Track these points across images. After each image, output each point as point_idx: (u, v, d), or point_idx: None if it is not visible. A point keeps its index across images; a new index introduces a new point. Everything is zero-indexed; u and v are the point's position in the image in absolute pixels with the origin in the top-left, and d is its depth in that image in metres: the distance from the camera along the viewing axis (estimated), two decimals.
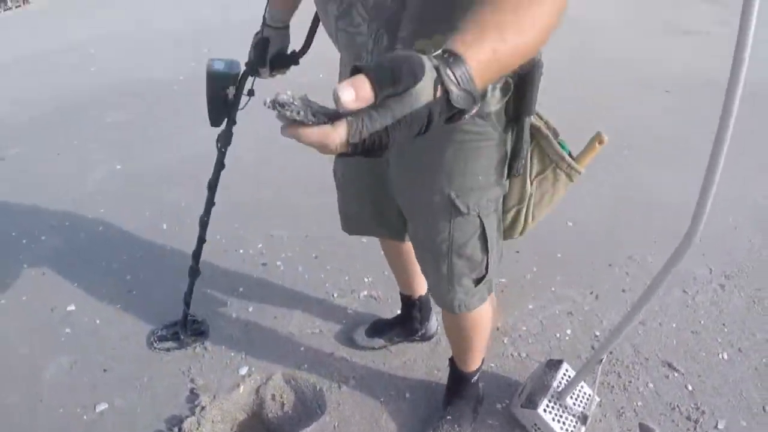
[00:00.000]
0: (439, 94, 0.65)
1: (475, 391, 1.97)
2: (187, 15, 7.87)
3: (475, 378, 1.93)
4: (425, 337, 2.25)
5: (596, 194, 3.18)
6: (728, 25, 10.18)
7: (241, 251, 2.71)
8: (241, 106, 1.80)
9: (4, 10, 8.62)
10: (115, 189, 3.42)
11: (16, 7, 8.74)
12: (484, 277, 1.51)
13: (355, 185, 1.65)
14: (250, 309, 2.44)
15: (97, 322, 2.41)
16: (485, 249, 1.45)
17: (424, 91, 0.64)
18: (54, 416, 2.02)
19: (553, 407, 1.83)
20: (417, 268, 2.01)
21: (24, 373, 2.20)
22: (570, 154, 1.39)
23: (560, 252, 2.75)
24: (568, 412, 1.85)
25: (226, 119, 1.83)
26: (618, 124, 3.95)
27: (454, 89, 0.66)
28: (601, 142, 1.35)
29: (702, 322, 2.42)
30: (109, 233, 2.99)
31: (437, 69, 0.65)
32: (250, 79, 1.79)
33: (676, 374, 2.16)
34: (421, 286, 2.14)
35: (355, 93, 0.60)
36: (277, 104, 0.61)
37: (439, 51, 0.69)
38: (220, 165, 1.95)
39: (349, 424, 1.98)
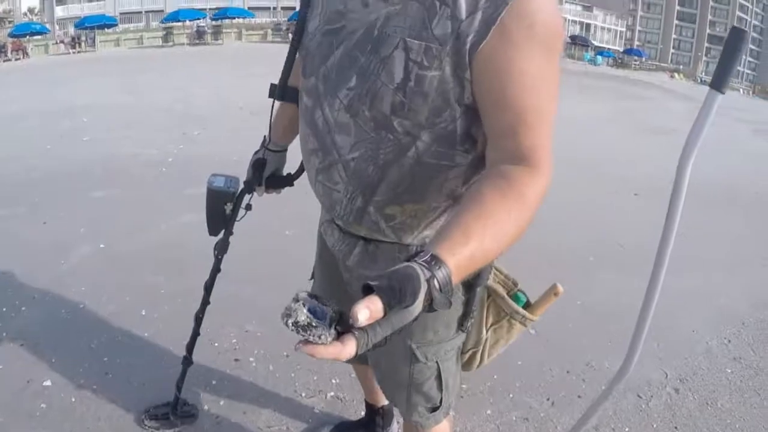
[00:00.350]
0: (426, 302, 0.76)
1: None
2: (182, 95, 8.06)
3: None
4: None
5: (560, 302, 3.29)
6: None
7: (216, 344, 2.79)
8: (238, 218, 1.89)
9: (3, 61, 8.77)
10: (98, 268, 3.51)
11: (16, 59, 8.91)
12: (438, 407, 1.56)
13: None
14: (221, 402, 2.50)
15: (73, 400, 2.43)
16: (440, 388, 1.51)
17: (419, 306, 0.75)
18: None
19: None
20: None
21: None
22: (527, 303, 1.47)
23: (521, 359, 2.81)
24: None
25: (223, 230, 1.92)
26: (586, 232, 4.17)
27: (437, 296, 0.76)
28: (556, 294, 1.41)
29: (654, 425, 2.54)
30: (89, 312, 3.05)
31: (428, 282, 0.75)
32: (248, 195, 1.85)
33: None
34: (383, 397, 2.16)
35: (370, 314, 0.70)
36: (298, 327, 0.71)
37: (428, 255, 0.80)
38: (216, 270, 2.05)
39: None
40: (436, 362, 1.45)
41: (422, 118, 1.08)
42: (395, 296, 0.71)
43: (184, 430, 2.34)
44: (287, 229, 4.21)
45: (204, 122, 6.83)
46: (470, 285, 1.37)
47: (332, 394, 2.61)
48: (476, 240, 0.86)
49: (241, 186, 1.82)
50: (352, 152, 1.17)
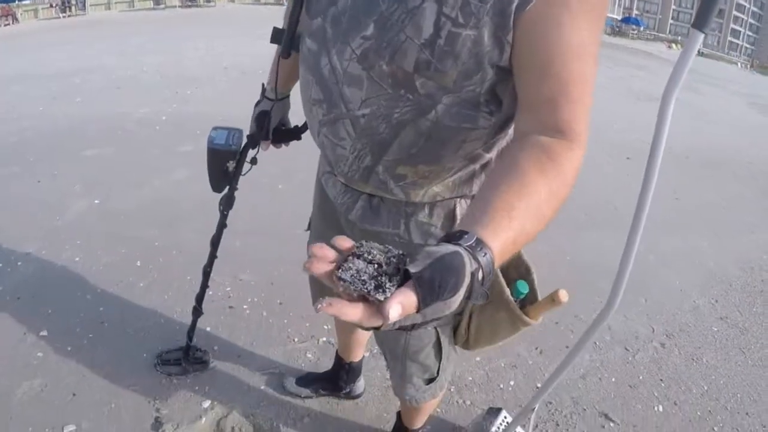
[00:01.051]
0: (465, 294, 0.66)
1: None
2: (174, 56, 8.02)
3: None
4: (350, 396, 2.33)
5: (551, 257, 3.39)
6: (695, 91, 10.76)
7: (210, 293, 2.76)
8: (243, 172, 1.81)
9: None
10: (93, 223, 3.54)
11: (5, 25, 8.81)
12: (434, 378, 1.54)
13: None
14: (216, 348, 2.54)
15: (69, 348, 2.46)
16: (439, 356, 1.48)
17: (458, 301, 0.65)
18: None
19: None
20: (358, 339, 2.12)
21: None
22: (529, 296, 1.31)
23: None
24: None
25: (228, 186, 1.86)
26: (579, 192, 4.19)
27: (477, 288, 0.68)
28: (555, 300, 1.23)
29: (641, 377, 2.61)
30: (84, 265, 3.08)
31: (473, 274, 0.66)
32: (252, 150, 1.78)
33: (612, 424, 2.34)
34: (356, 354, 2.24)
35: (402, 310, 0.61)
36: (340, 279, 0.63)
37: (473, 239, 0.71)
38: (222, 225, 2.01)
39: None
40: (435, 328, 1.42)
41: (449, 81, 0.98)
42: (433, 292, 0.62)
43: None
44: (280, 183, 4.23)
45: (196, 82, 6.79)
46: None
47: (324, 339, 2.66)
48: (519, 222, 0.78)
49: (245, 140, 1.74)
50: (363, 108, 1.06)
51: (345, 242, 0.68)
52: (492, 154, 1.19)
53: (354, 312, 0.62)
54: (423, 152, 1.09)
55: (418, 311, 0.62)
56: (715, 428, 2.39)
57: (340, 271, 0.63)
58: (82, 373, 2.37)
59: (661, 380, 2.62)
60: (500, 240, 0.74)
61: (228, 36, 10.06)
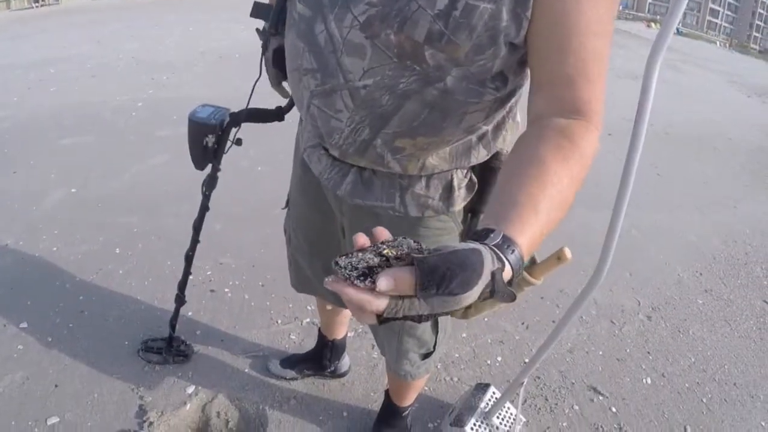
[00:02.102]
0: (486, 293, 0.64)
1: (404, 424, 2.06)
2: (150, 42, 7.93)
3: (407, 412, 2.03)
4: (336, 374, 2.32)
5: None
6: (676, 69, 10.81)
7: (191, 277, 2.75)
8: (226, 150, 1.77)
9: None
10: (70, 212, 3.47)
11: None
12: (431, 353, 1.53)
13: (307, 248, 1.62)
14: (198, 332, 2.52)
15: (50, 339, 2.44)
16: (435, 330, 1.47)
17: (471, 297, 0.63)
18: (6, 428, 2.04)
19: (479, 427, 1.96)
20: (340, 318, 2.10)
21: None
22: (532, 260, 1.29)
23: None
24: (495, 431, 1.98)
25: (210, 165, 1.81)
26: None
27: (501, 288, 0.65)
28: (560, 259, 1.21)
29: (628, 350, 2.63)
30: (62, 254, 3.03)
31: (494, 273, 0.64)
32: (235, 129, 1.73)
33: (600, 397, 2.35)
34: (339, 332, 2.23)
35: (395, 285, 0.60)
36: (335, 264, 0.63)
37: (500, 237, 0.70)
38: (204, 208, 1.98)
39: None
40: None
41: (461, 54, 0.94)
42: (433, 282, 0.60)
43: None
44: (259, 165, 4.19)
45: (173, 68, 6.70)
46: (472, 211, 1.30)
47: (308, 320, 2.64)
48: (545, 214, 0.78)
49: (228, 119, 1.70)
50: (365, 79, 1.00)
51: (381, 234, 0.69)
52: (490, 127, 1.16)
53: (352, 292, 0.61)
54: (424, 124, 1.05)
55: (416, 295, 0.61)
56: (704, 399, 2.40)
57: (342, 257, 0.64)
58: (64, 363, 2.34)
59: (648, 353, 2.64)
60: (527, 235, 0.74)
61: (204, 21, 9.93)
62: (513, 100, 1.12)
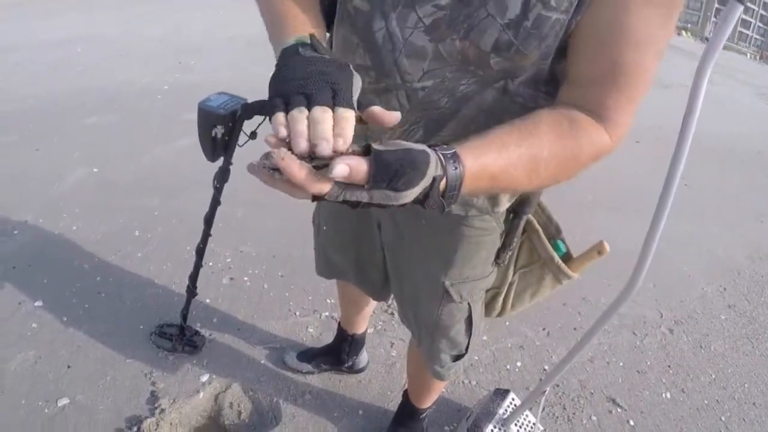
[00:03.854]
0: (420, 196, 0.69)
1: (420, 426, 2.02)
2: (177, 26, 7.93)
3: (425, 414, 2.00)
4: (353, 370, 2.30)
5: None
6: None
7: (210, 264, 2.78)
8: (240, 143, 1.68)
9: None
10: (91, 192, 3.47)
11: None
12: (462, 355, 1.50)
13: (339, 240, 1.60)
14: (215, 320, 2.50)
15: (65, 319, 2.43)
16: (469, 332, 1.44)
17: (409, 197, 0.67)
18: (15, 407, 2.04)
19: None
20: (363, 312, 2.07)
21: None
22: (566, 254, 1.35)
23: None
24: None
25: (222, 158, 1.75)
26: (588, 172, 4.15)
27: (434, 197, 0.70)
28: (600, 253, 1.28)
29: (648, 363, 2.57)
30: (82, 234, 3.02)
31: (434, 179, 0.69)
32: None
33: (619, 410, 2.30)
34: (360, 327, 2.19)
35: (349, 173, 0.64)
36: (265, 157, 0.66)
37: (451, 151, 0.73)
38: (216, 202, 1.93)
39: None
40: (469, 303, 1.36)
41: (527, 63, 0.93)
42: (385, 176, 0.65)
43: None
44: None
45: (200, 52, 6.69)
46: (515, 212, 1.28)
47: (327, 314, 2.61)
48: (506, 162, 0.79)
49: (240, 110, 1.62)
50: (424, 81, 0.97)
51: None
52: None
53: (300, 171, 0.63)
54: (480, 128, 0.98)
55: (366, 184, 0.65)
56: (723, 418, 2.35)
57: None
58: (78, 344, 2.33)
59: (669, 366, 2.58)
60: (478, 164, 0.75)
61: (233, 6, 9.90)
62: None
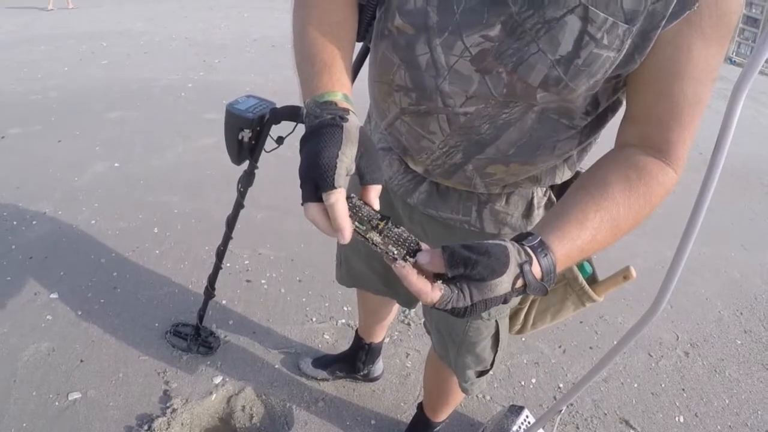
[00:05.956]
0: (518, 285, 0.72)
1: None
2: (204, 24, 7.98)
3: (438, 428, 1.98)
4: (368, 378, 2.28)
5: None
6: (725, 99, 10.59)
7: (228, 265, 2.76)
8: (268, 149, 1.68)
9: None
10: (112, 186, 3.48)
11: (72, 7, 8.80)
12: (487, 371, 1.50)
13: (366, 250, 1.48)
14: (230, 322, 2.49)
15: (79, 313, 2.43)
16: (495, 348, 1.44)
17: (502, 285, 0.70)
18: (26, 398, 2.03)
19: None
20: (383, 321, 2.06)
21: (1, 352, 2.22)
22: (592, 277, 1.34)
23: None
24: None
25: (248, 161, 1.73)
26: None
27: (532, 282, 0.72)
28: (626, 278, 1.27)
29: (663, 385, 2.54)
30: (100, 228, 3.03)
31: (521, 266, 0.71)
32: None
33: (631, 431, 2.27)
34: (377, 336, 2.19)
35: (429, 260, 0.70)
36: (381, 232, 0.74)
37: (537, 240, 0.76)
38: (239, 205, 1.91)
39: None
40: (496, 320, 1.36)
41: (574, 96, 0.91)
42: (459, 262, 0.69)
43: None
44: None
45: (225, 52, 6.73)
46: None
47: (343, 321, 2.59)
48: (591, 233, 0.81)
49: (268, 115, 1.61)
50: (466, 106, 0.95)
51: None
52: (576, 150, 1.11)
53: (414, 280, 0.69)
54: (520, 152, 1.02)
55: (447, 274, 0.69)
56: None
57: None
58: (92, 339, 2.33)
59: (683, 390, 2.54)
60: (566, 246, 0.78)
61: (259, 8, 9.97)
62: (601, 131, 1.08)
